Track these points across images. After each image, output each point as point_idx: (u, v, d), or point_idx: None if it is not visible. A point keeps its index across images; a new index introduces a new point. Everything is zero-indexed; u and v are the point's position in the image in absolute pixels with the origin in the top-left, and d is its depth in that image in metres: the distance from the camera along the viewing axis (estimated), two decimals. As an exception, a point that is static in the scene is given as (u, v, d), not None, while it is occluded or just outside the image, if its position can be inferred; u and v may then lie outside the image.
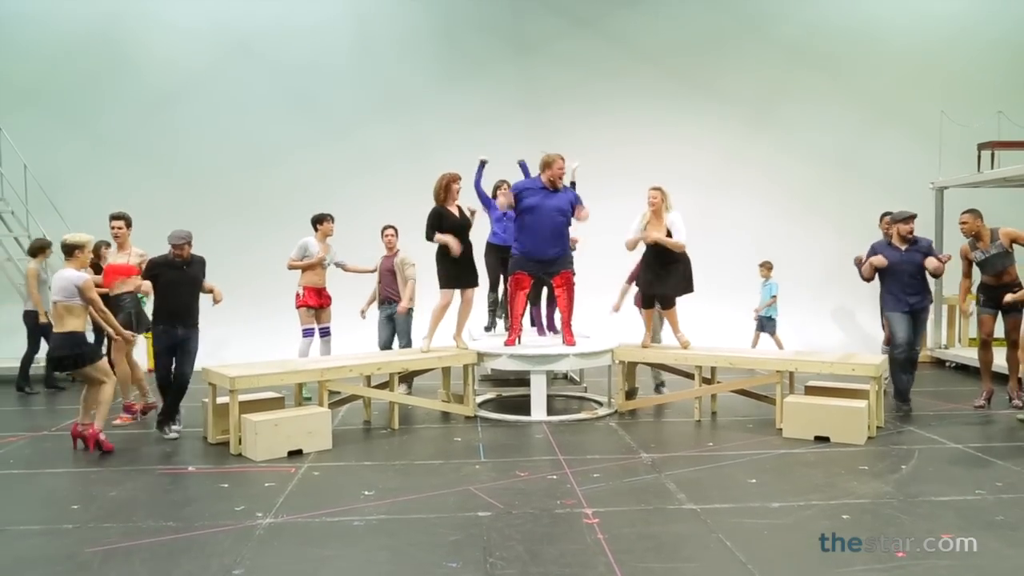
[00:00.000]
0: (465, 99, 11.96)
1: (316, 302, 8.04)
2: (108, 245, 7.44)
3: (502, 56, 12.20)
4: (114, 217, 7.23)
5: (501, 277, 8.08)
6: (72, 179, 10.89)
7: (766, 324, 9.63)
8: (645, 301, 7.43)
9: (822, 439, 6.13)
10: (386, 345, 8.10)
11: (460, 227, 7.14)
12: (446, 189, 7.11)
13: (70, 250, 6.02)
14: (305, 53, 11.82)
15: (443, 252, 7.13)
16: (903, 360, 6.97)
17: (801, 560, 3.85)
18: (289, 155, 11.66)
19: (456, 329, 7.47)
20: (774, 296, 9.59)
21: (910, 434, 6.40)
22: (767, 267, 9.74)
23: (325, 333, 8.13)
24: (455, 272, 7.19)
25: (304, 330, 8.04)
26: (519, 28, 12.25)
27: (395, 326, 8.04)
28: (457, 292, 7.27)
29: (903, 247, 7.02)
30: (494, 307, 8.33)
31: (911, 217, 7.06)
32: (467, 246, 7.22)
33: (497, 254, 8.00)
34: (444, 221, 7.07)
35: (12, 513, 4.71)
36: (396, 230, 8.12)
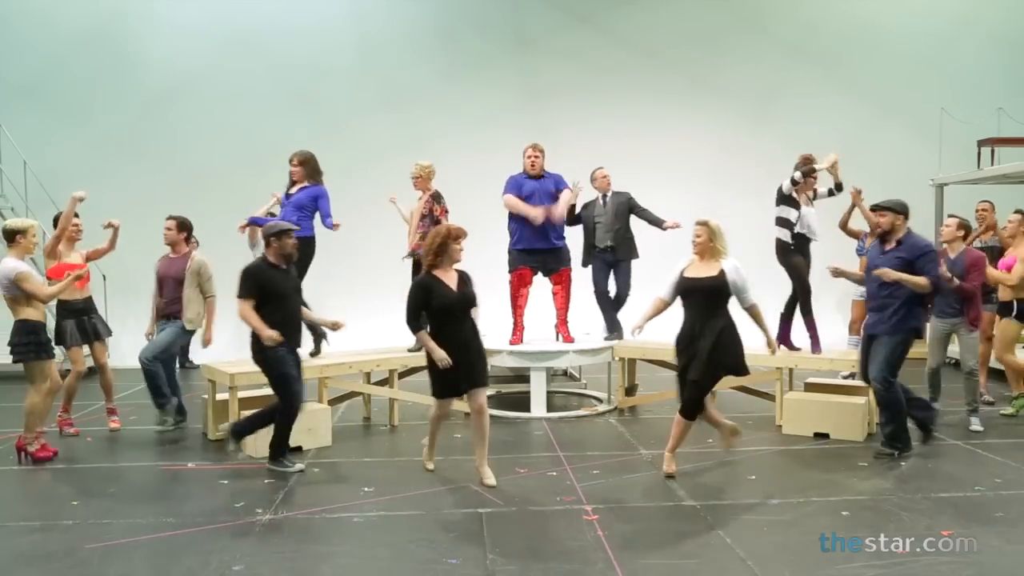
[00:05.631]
0: (465, 94, 11.91)
1: None
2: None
3: (502, 51, 12.16)
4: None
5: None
6: (71, 175, 10.81)
7: None
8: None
9: (822, 436, 6.13)
10: None
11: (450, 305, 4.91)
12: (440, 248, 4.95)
13: (11, 236, 5.52)
14: (304, 49, 11.77)
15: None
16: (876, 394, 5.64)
17: (801, 556, 3.85)
18: (288, 151, 11.58)
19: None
20: None
21: (909, 431, 6.39)
22: None
23: None
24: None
25: None
26: (519, 23, 12.21)
27: None
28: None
29: (883, 246, 5.49)
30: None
31: (878, 207, 5.41)
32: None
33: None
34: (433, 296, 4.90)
35: (12, 509, 4.72)
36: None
